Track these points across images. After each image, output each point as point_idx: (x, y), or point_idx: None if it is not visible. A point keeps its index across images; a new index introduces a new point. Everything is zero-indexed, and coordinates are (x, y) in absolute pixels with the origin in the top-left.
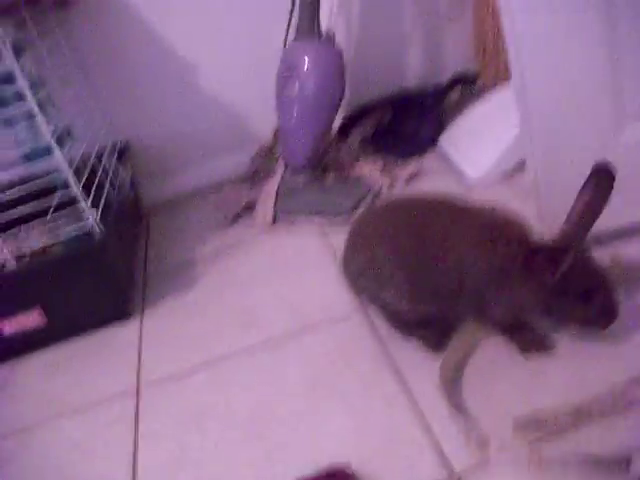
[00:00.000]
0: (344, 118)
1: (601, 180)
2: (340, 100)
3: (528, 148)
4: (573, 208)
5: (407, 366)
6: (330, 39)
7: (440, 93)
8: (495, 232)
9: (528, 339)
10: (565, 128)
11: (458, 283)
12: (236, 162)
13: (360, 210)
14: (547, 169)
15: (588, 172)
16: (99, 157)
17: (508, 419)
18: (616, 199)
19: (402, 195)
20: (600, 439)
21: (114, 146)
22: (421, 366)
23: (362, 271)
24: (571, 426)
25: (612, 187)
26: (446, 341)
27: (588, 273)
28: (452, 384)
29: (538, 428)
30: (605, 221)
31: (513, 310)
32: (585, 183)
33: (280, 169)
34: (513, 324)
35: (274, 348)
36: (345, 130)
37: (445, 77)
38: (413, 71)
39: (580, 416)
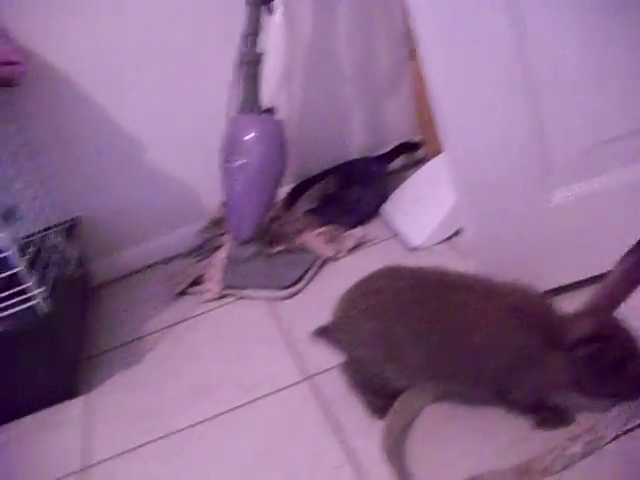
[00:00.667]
0: (290, 189)
1: None
2: (283, 172)
3: (463, 214)
4: (610, 275)
5: (353, 434)
6: (272, 112)
7: (384, 162)
8: (520, 309)
9: (545, 415)
10: (496, 194)
11: (480, 364)
12: (185, 236)
13: (305, 281)
14: (482, 233)
15: (521, 236)
16: (45, 235)
17: None
18: (547, 262)
19: (408, 265)
20: None
21: (62, 223)
22: (367, 433)
23: (365, 341)
24: None
25: None
26: (389, 407)
27: (620, 341)
28: (395, 450)
29: None
30: (540, 283)
31: (540, 390)
32: (629, 252)
33: (227, 242)
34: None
35: (222, 421)
36: (291, 201)
37: (389, 147)
38: (357, 142)
39: (523, 476)
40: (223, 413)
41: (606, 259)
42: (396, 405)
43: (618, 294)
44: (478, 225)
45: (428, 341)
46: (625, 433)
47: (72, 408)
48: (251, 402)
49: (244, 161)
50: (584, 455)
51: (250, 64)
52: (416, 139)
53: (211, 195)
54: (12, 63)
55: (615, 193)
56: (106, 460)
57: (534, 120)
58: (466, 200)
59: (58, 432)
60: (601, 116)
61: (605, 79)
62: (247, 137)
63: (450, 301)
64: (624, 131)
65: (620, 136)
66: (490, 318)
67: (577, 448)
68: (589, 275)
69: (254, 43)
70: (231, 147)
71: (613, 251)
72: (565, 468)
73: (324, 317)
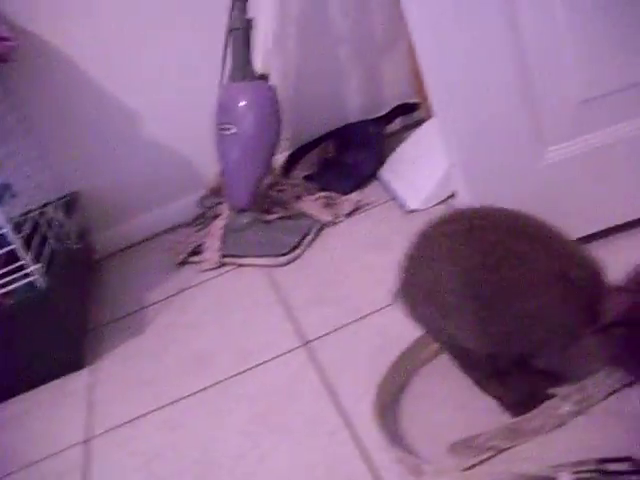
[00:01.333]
0: (287, 155)
1: None
2: (277, 138)
3: (456, 176)
4: None
5: (349, 399)
6: (264, 78)
7: (381, 124)
8: (569, 276)
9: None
10: (488, 156)
11: (516, 326)
12: (185, 206)
13: (303, 247)
14: (475, 195)
15: (517, 195)
16: (43, 210)
17: (444, 445)
18: (552, 217)
19: (485, 207)
20: (533, 457)
21: (61, 198)
22: (363, 398)
23: (423, 296)
24: (505, 447)
25: None
26: (529, 399)
27: None
28: (386, 411)
29: (473, 452)
30: None
31: (568, 361)
32: None
33: (225, 210)
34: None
35: (222, 388)
36: (288, 167)
37: (386, 109)
38: (354, 105)
39: (514, 436)
40: (223, 380)
41: (604, 216)
42: (389, 366)
43: None
44: (471, 187)
45: (479, 292)
46: (614, 392)
47: (78, 380)
48: (250, 369)
49: (237, 129)
50: (575, 414)
51: (240, 30)
52: (414, 100)
53: (210, 164)
54: (3, 39)
55: (609, 149)
56: (110, 430)
57: (524, 76)
58: (457, 162)
59: (64, 404)
60: (592, 71)
61: (596, 32)
62: (240, 104)
63: (510, 249)
64: (616, 87)
65: (611, 92)
66: (538, 280)
67: (567, 407)
68: (588, 232)
69: (243, 9)
70: (224, 115)
71: (610, 208)
72: (556, 427)
73: (322, 283)
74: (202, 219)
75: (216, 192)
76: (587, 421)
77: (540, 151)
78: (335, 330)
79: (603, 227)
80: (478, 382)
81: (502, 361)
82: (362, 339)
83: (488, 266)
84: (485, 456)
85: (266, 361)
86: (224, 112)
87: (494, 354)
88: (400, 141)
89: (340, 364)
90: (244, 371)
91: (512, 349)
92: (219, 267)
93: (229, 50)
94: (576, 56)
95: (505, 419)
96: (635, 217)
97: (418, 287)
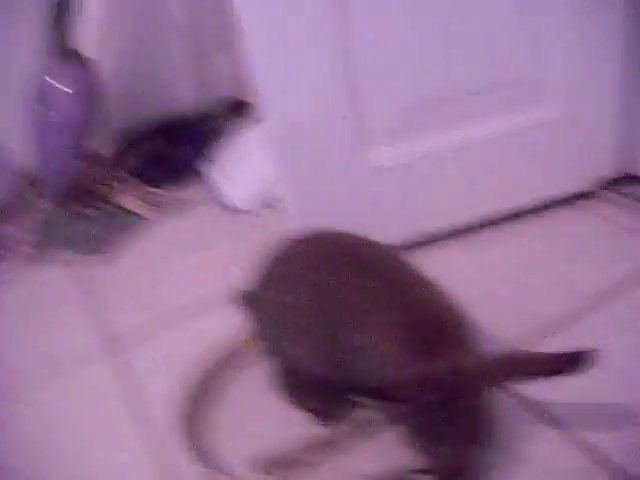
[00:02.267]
0: (111, 147)
1: None
2: (95, 126)
3: (281, 179)
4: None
5: (157, 411)
6: (82, 62)
7: (212, 121)
8: (409, 322)
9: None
10: (310, 160)
11: (353, 360)
12: None
13: (120, 244)
14: (298, 197)
15: (341, 199)
16: None
17: (256, 459)
18: (370, 224)
19: (341, 232)
20: (345, 469)
21: None
22: (171, 409)
23: (269, 314)
24: (317, 460)
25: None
26: (338, 410)
27: (467, 416)
28: (194, 425)
29: (285, 468)
30: None
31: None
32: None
33: (39, 202)
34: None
35: (17, 399)
36: (113, 160)
37: (219, 104)
38: (185, 100)
39: (325, 448)
40: (19, 389)
41: (429, 222)
42: (199, 376)
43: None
44: (296, 190)
45: (324, 318)
46: None
47: None
48: (52, 377)
49: (53, 115)
50: (383, 421)
51: (59, 7)
52: (247, 98)
53: (25, 152)
54: None
55: (435, 157)
56: None
57: (349, 80)
58: (282, 165)
59: None
60: (417, 76)
61: (421, 42)
62: (57, 89)
63: (350, 281)
64: (441, 93)
65: (437, 99)
66: (377, 317)
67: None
68: (414, 239)
69: None
70: (39, 100)
71: (434, 214)
72: (366, 435)
73: (139, 284)
74: (14, 211)
75: (31, 182)
76: (398, 430)
77: (366, 154)
78: (149, 336)
79: (420, 237)
80: (295, 399)
81: (335, 384)
82: (177, 345)
83: (329, 295)
84: (297, 471)
85: (70, 367)
86: (39, 97)
87: (329, 378)
88: (230, 139)
89: (153, 373)
90: (46, 378)
91: (351, 380)
92: (30, 262)
93: (47, 28)
94: (401, 64)
95: (317, 430)
96: (450, 227)
97: (265, 302)
